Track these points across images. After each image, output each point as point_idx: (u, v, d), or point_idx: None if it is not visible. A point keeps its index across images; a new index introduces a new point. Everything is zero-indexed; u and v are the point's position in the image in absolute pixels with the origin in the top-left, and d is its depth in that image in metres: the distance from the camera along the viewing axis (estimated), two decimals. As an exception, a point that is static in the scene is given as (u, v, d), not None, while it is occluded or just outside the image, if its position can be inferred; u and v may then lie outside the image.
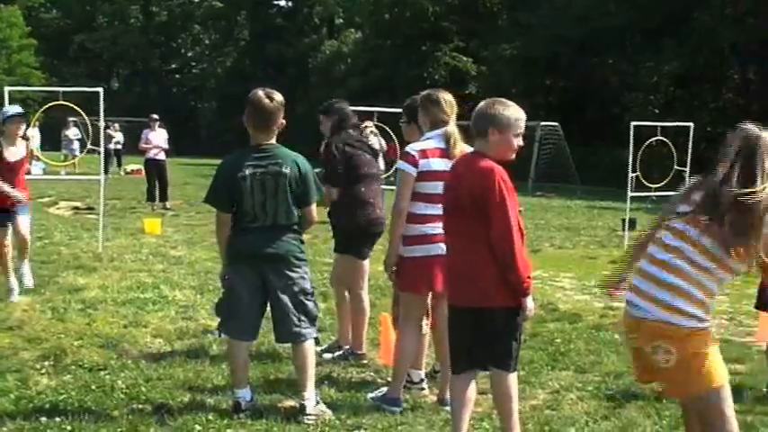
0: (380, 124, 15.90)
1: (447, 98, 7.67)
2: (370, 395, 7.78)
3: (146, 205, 24.85)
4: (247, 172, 7.15)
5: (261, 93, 7.21)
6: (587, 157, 42.81)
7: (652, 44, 46.35)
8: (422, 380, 8.04)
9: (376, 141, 11.91)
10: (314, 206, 7.36)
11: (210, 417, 7.06)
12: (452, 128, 7.55)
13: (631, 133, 19.33)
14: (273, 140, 7.27)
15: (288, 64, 71.57)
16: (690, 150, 20.25)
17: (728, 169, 5.05)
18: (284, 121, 7.28)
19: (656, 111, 46.35)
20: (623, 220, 21.24)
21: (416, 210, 7.44)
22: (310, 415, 7.14)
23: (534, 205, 31.31)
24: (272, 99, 7.18)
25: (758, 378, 8.76)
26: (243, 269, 7.25)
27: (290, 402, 7.47)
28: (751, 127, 5.19)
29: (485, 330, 6.28)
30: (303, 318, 7.26)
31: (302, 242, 7.37)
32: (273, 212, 7.15)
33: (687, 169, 20.27)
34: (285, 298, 7.19)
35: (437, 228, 7.16)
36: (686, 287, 5.05)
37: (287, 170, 7.13)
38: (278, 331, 7.40)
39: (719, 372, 5.16)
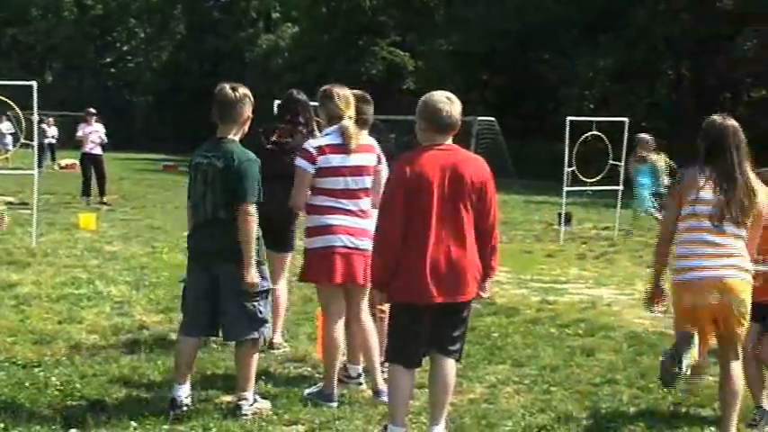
0: (317, 119, 15.84)
1: (342, 93, 7.72)
2: (306, 391, 7.76)
3: (80, 200, 24.60)
4: (194, 161, 7.20)
5: (225, 85, 7.19)
6: (524, 152, 43.07)
7: (588, 39, 46.72)
8: (359, 374, 8.02)
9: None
10: (248, 207, 7.07)
11: (146, 413, 7.00)
12: (348, 122, 7.58)
13: (567, 128, 19.48)
14: (236, 135, 7.20)
15: (224, 58, 71.23)
16: (625, 145, 20.44)
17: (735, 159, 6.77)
18: (251, 115, 7.24)
19: (592, 106, 46.69)
20: (559, 215, 21.38)
21: (317, 202, 7.50)
22: (248, 414, 7.10)
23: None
24: (234, 90, 7.15)
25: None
26: (193, 265, 7.23)
27: (228, 398, 7.43)
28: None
29: (456, 323, 6.53)
30: (251, 317, 7.21)
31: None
32: (212, 205, 7.08)
33: (622, 164, 20.48)
34: (234, 296, 7.11)
35: (338, 219, 7.32)
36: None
37: (220, 164, 7.07)
38: (225, 329, 7.30)
39: None
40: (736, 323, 6.72)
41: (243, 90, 7.19)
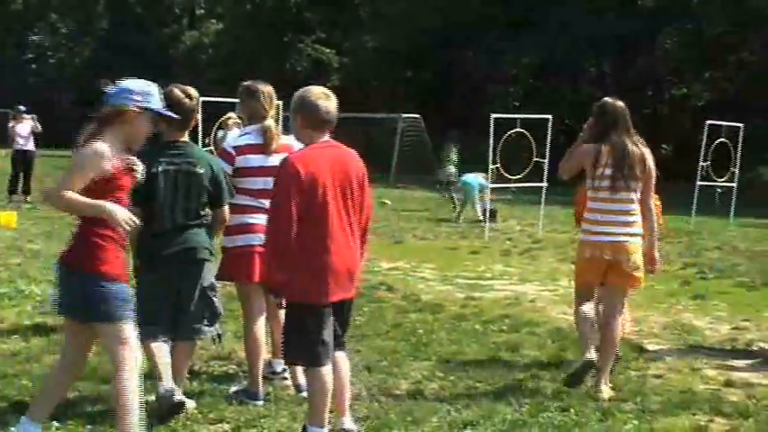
0: (243, 116, 15.76)
1: (266, 90, 7.67)
2: (231, 389, 7.72)
3: (3, 198, 24.20)
4: (161, 168, 6.97)
5: (178, 92, 7.08)
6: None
7: (512, 36, 46.96)
8: (284, 369, 7.99)
9: (238, 133, 11.81)
10: (227, 207, 7.24)
11: (68, 413, 6.92)
12: (270, 122, 7.55)
13: (491, 125, 19.58)
14: (186, 137, 7.15)
15: (148, 54, 70.51)
16: (549, 142, 20.60)
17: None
18: (198, 117, 7.17)
19: (516, 103, 46.99)
20: (484, 211, 21.51)
21: (237, 201, 7.45)
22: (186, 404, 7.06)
23: (396, 197, 31.47)
24: (190, 98, 7.08)
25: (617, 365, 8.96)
26: (152, 270, 7.05)
27: (153, 397, 7.36)
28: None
29: (348, 317, 6.68)
30: (207, 315, 7.17)
31: (211, 237, 7.27)
32: (184, 212, 7.00)
33: (546, 161, 20.63)
34: (193, 294, 7.05)
35: (257, 218, 7.28)
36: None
37: (201, 170, 7.02)
38: (180, 328, 7.17)
39: None
40: (626, 277, 8.05)
41: (195, 94, 7.15)
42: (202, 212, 7.12)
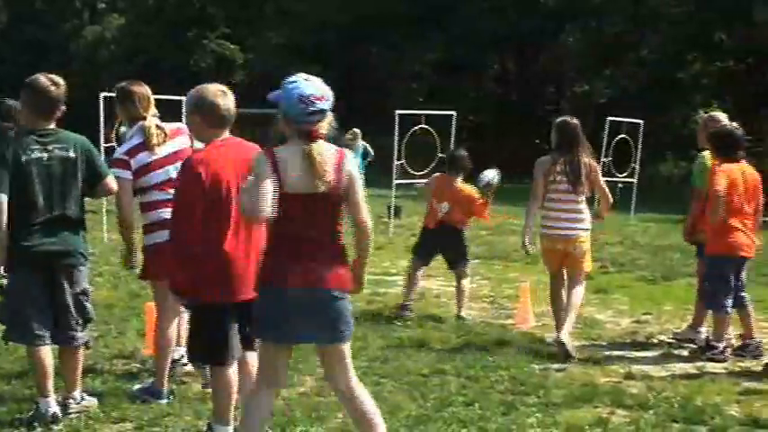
0: (122, 118, 15.58)
1: (141, 91, 7.62)
2: (135, 387, 7.65)
3: None
4: (33, 156, 6.78)
5: (44, 80, 6.91)
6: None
7: (417, 33, 47.16)
8: (182, 356, 7.92)
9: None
10: (110, 176, 7.14)
11: None
12: (149, 122, 7.50)
13: (396, 121, 19.61)
14: (53, 125, 7.00)
15: (48, 49, 69.45)
16: (453, 138, 20.69)
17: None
18: (65, 107, 7.04)
19: (421, 99, 47.19)
20: (389, 207, 21.54)
21: (149, 198, 7.42)
22: (74, 412, 6.97)
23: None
24: (57, 86, 6.92)
25: (517, 358, 9.06)
26: (28, 269, 6.84)
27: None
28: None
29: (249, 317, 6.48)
30: (80, 320, 7.06)
31: (85, 239, 7.17)
32: (62, 202, 6.84)
33: (450, 157, 20.70)
34: (68, 298, 6.93)
35: (168, 212, 7.08)
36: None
37: (73, 154, 6.89)
38: (65, 333, 7.01)
39: None
40: (579, 263, 9.78)
41: (62, 83, 7.00)
42: (82, 205, 7.00)
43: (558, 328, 9.69)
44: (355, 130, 29.34)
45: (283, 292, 5.62)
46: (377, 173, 22.78)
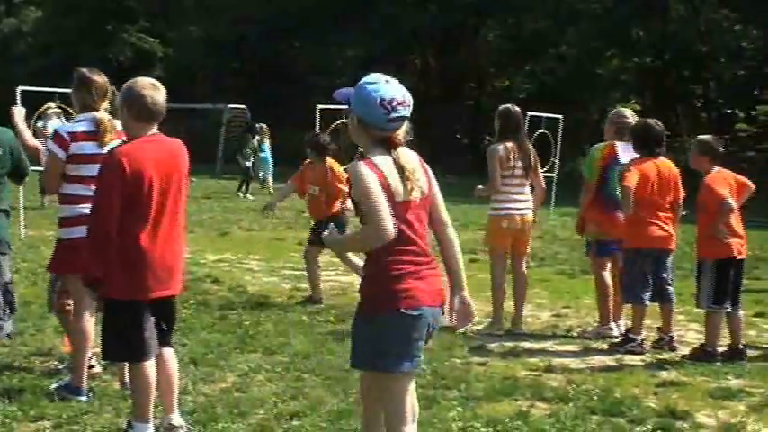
0: (64, 106, 15.40)
1: (99, 82, 7.53)
2: (53, 385, 7.56)
3: None
4: None
5: None
6: (275, 140, 43.02)
7: (338, 28, 47.12)
8: (90, 357, 7.83)
9: (58, 123, 11.55)
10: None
11: None
12: (103, 114, 7.42)
13: (318, 116, 19.60)
14: None
15: (-38, 42, 68.37)
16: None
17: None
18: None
19: (342, 94, 47.09)
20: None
21: (71, 191, 7.34)
22: None
23: (223, 188, 31.28)
24: None
25: (438, 352, 9.09)
26: None
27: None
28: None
29: (173, 314, 6.64)
30: (7, 310, 6.97)
31: (6, 229, 7.09)
32: None
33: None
34: None
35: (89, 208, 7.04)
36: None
37: None
38: None
39: None
40: (527, 241, 10.74)
41: None
42: (6, 197, 6.94)
43: (499, 308, 10.57)
44: (263, 125, 30.69)
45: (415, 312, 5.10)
46: (298, 167, 22.81)
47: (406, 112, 5.11)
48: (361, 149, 5.28)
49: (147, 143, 6.26)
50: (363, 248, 5.31)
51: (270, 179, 31.03)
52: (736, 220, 9.50)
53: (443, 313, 5.29)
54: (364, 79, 5.22)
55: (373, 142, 5.17)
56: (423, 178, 5.19)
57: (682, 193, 9.83)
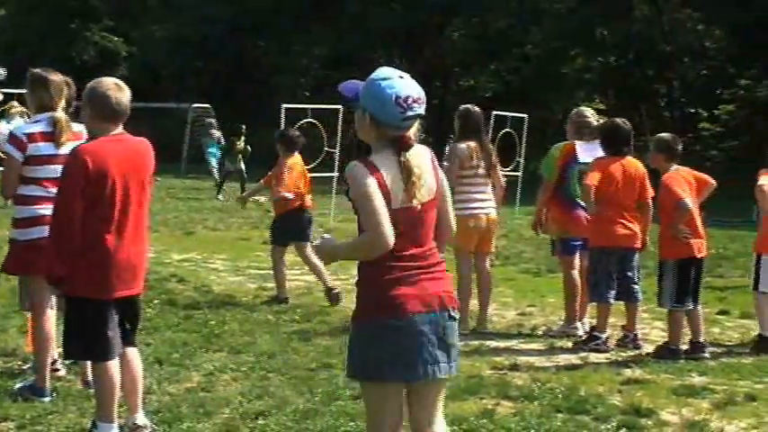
0: (31, 105, 15.26)
1: (57, 80, 7.48)
2: (17, 385, 7.51)
3: None
4: None
5: None
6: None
7: (303, 27, 47.08)
8: (55, 360, 7.79)
9: (22, 123, 11.44)
10: None
11: None
12: (60, 114, 7.37)
13: (282, 115, 19.59)
14: None
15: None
16: (339, 132, 20.73)
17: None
18: None
19: (307, 93, 47.11)
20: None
21: (27, 192, 7.29)
22: None
23: (187, 187, 31.18)
24: None
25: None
26: None
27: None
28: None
29: (136, 313, 6.61)
30: None
31: None
32: None
33: (337, 151, 20.76)
34: None
35: (48, 209, 6.87)
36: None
37: None
38: None
39: None
40: (492, 240, 10.84)
41: None
42: None
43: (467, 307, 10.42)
44: (211, 120, 31.33)
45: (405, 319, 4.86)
46: (262, 166, 22.72)
47: (421, 109, 4.84)
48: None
49: (110, 142, 6.23)
50: (363, 257, 4.96)
51: (216, 173, 31.48)
52: (695, 219, 9.56)
53: (451, 317, 5.04)
54: (376, 74, 4.90)
55: (384, 141, 4.87)
56: (430, 181, 4.92)
57: (651, 192, 9.86)
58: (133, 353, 6.56)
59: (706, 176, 9.88)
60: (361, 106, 4.89)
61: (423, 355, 4.89)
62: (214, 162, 31.86)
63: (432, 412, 5.10)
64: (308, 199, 11.99)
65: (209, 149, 32.35)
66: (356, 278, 5.01)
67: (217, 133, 32.59)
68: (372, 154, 4.89)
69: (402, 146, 4.82)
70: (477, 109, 10.75)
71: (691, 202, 9.41)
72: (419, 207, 4.85)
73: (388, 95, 4.76)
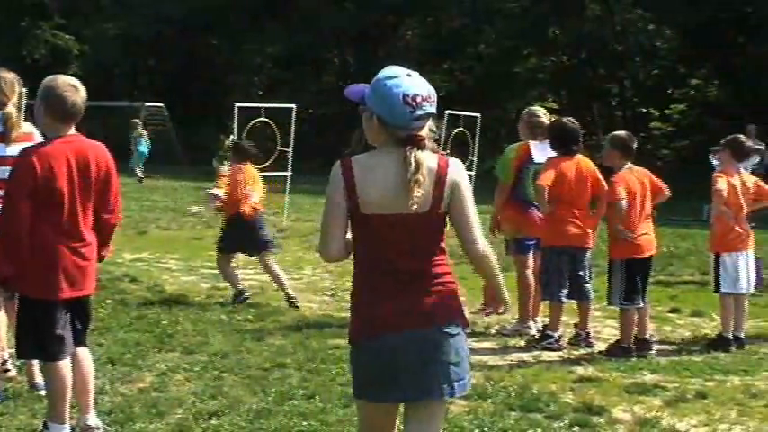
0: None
1: (8, 77, 7.39)
2: (-34, 388, 7.44)
3: None
4: None
5: None
6: (193, 138, 42.76)
7: (256, 25, 46.94)
8: (5, 361, 7.72)
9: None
10: None
11: None
12: (11, 110, 7.29)
13: (236, 114, 19.52)
14: None
15: None
16: (293, 131, 20.70)
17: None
18: None
19: (260, 92, 47.00)
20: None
21: None
22: None
23: (141, 187, 31.01)
24: None
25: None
26: None
27: None
28: None
29: (87, 314, 6.56)
30: None
31: None
32: None
33: (290, 150, 20.74)
34: None
35: None
36: None
37: None
38: None
39: None
40: None
41: None
42: None
43: None
44: (136, 120, 31.83)
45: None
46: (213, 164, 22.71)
47: (432, 108, 4.61)
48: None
49: (62, 144, 6.19)
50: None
51: (138, 171, 33.78)
52: (640, 219, 9.63)
53: (444, 332, 4.68)
54: (382, 74, 4.67)
55: (394, 141, 4.60)
56: (430, 190, 4.58)
57: (606, 187, 9.91)
58: (84, 353, 6.53)
59: (662, 185, 9.91)
60: (369, 108, 4.67)
61: (398, 377, 4.60)
62: (139, 161, 34.47)
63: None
64: (249, 208, 11.73)
65: (139, 148, 34.60)
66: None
67: (144, 132, 34.86)
68: (371, 152, 4.69)
69: (414, 143, 4.56)
70: None
71: (627, 203, 9.48)
72: (411, 215, 4.57)
73: (395, 95, 4.55)
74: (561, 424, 7.23)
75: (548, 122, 10.49)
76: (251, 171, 11.98)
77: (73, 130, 6.30)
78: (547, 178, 9.56)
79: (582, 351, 9.75)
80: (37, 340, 6.24)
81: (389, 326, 4.60)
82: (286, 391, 7.74)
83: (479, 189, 23.35)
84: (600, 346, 9.84)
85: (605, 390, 8.23)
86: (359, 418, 4.99)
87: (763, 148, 16.03)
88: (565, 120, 10.17)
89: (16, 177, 6.11)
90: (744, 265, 10.04)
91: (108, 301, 11.02)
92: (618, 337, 9.72)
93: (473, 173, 24.39)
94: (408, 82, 4.59)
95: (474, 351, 9.49)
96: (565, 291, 9.78)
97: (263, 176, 12.49)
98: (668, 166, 33.30)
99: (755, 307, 11.95)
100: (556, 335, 9.82)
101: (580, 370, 8.90)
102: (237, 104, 19.95)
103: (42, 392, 6.91)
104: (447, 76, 48.13)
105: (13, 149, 6.98)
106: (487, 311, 5.11)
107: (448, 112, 23.61)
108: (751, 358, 9.60)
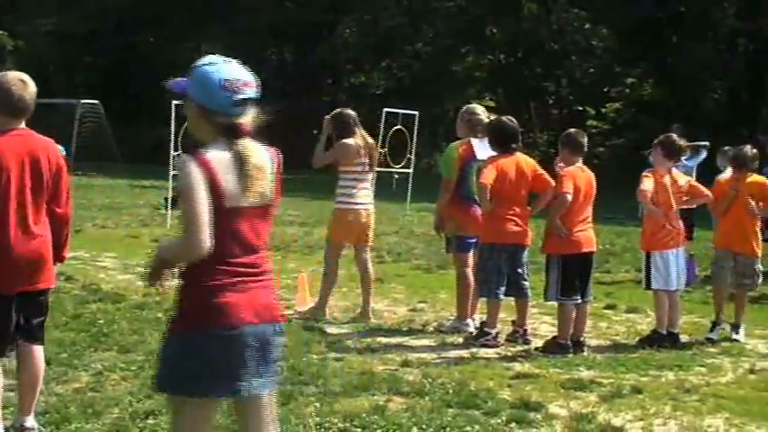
0: None
1: None
2: None
3: None
4: None
5: None
6: (130, 136, 42.45)
7: (194, 24, 46.71)
8: None
9: None
10: None
11: None
12: None
13: (173, 112, 19.38)
14: None
15: None
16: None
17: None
18: None
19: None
20: (166, 199, 21.28)
21: None
22: None
23: (75, 185, 30.67)
24: None
25: (296, 348, 9.07)
26: None
27: None
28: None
29: (40, 309, 6.51)
30: None
31: None
32: None
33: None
34: None
35: None
36: None
37: None
38: None
39: None
40: (368, 234, 11.02)
41: None
42: None
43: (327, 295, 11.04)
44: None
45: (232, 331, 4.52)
46: (155, 162, 22.55)
47: (253, 93, 4.54)
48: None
49: (10, 138, 6.13)
50: (178, 260, 4.62)
51: None
52: (580, 217, 9.71)
53: (276, 331, 4.70)
54: (200, 61, 4.67)
55: (217, 132, 4.51)
56: (269, 180, 4.58)
57: (550, 182, 9.92)
58: (38, 351, 6.46)
59: (593, 189, 9.97)
60: (189, 97, 4.63)
61: (249, 370, 4.54)
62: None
63: (264, 429, 4.77)
64: None
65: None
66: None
67: None
68: (207, 148, 4.52)
69: (236, 133, 4.48)
70: (348, 111, 11.38)
71: (571, 198, 9.56)
72: (255, 208, 4.54)
73: (213, 80, 4.50)
74: (499, 420, 7.26)
75: (486, 120, 10.53)
76: None
77: (22, 125, 6.23)
78: (488, 177, 9.59)
79: (519, 348, 9.80)
80: None
81: (249, 317, 4.53)
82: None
83: (417, 186, 23.41)
84: (537, 343, 9.90)
85: (542, 386, 8.28)
86: (182, 418, 4.67)
87: (708, 144, 16.19)
88: (503, 119, 10.22)
89: None
90: (674, 263, 10.14)
91: (43, 300, 10.90)
92: (555, 334, 9.79)
93: (410, 170, 24.46)
94: (226, 67, 4.56)
95: (412, 348, 9.55)
96: (503, 288, 9.82)
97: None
98: (604, 163, 33.59)
99: (690, 303, 12.13)
100: (493, 332, 9.86)
101: (517, 366, 8.95)
102: (175, 102, 19.80)
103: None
104: (385, 74, 48.25)
105: None
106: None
107: (386, 109, 23.64)
108: (685, 354, 9.71)
